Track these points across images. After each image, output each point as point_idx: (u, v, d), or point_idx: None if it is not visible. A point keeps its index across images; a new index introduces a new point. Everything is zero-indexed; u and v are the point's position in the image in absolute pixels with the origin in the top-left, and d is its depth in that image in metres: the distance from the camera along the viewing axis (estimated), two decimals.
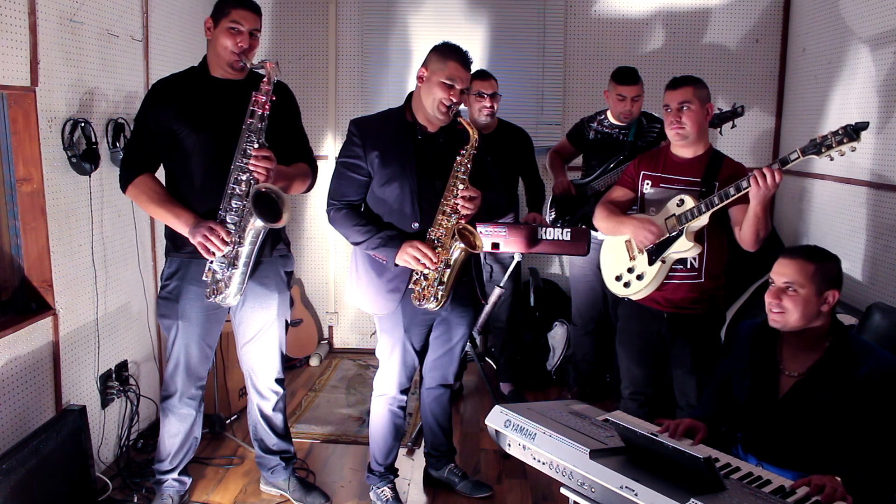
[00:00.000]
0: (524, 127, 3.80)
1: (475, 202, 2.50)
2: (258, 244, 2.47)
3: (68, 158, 2.75)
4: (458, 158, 2.52)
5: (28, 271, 2.68)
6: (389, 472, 2.90)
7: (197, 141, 2.48)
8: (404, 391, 2.79)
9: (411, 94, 2.62)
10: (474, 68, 2.66)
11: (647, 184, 2.76)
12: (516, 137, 3.71)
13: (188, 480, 2.84)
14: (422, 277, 2.53)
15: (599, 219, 2.83)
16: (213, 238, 2.38)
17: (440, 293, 2.51)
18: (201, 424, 2.79)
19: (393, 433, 2.83)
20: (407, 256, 2.48)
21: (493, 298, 3.36)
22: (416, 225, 2.54)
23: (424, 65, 2.52)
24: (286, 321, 2.79)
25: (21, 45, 2.50)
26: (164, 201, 2.47)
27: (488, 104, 3.51)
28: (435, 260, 2.48)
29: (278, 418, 2.87)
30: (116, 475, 2.99)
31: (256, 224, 2.39)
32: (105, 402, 3.07)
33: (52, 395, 2.76)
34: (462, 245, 2.46)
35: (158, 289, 2.65)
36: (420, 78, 2.53)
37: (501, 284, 3.40)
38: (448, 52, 2.49)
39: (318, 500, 2.88)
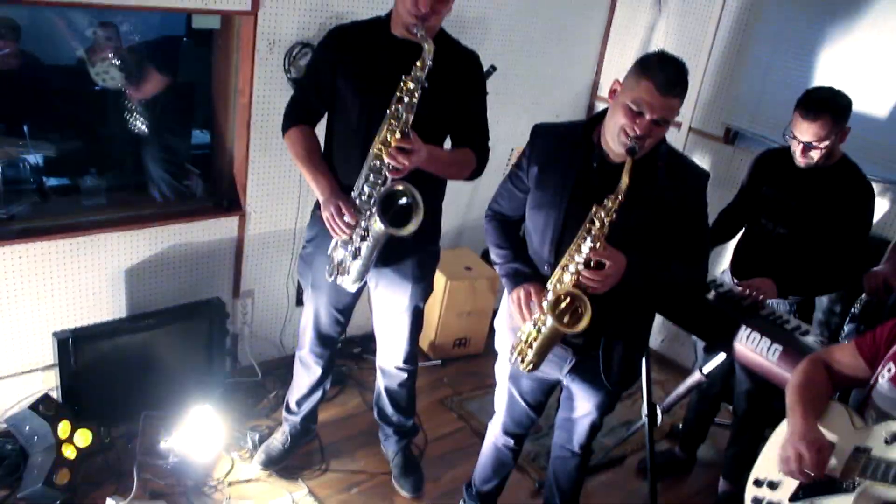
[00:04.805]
0: None
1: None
2: (381, 245, 2.23)
3: (288, 80, 2.80)
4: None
5: (234, 173, 2.93)
6: (480, 500, 2.64)
7: (355, 103, 2.24)
8: (510, 434, 2.47)
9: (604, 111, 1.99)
10: None
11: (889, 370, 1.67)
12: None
13: (313, 428, 2.88)
14: (524, 333, 2.10)
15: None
16: (337, 219, 2.19)
17: (528, 356, 2.08)
18: (330, 380, 2.78)
19: (492, 465, 2.56)
20: (513, 296, 2.08)
21: (688, 382, 2.85)
22: (548, 268, 2.06)
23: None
24: (420, 307, 2.58)
25: None
26: (308, 160, 2.30)
27: None
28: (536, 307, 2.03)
29: (401, 394, 2.76)
30: (270, 372, 3.23)
31: (378, 227, 2.13)
32: (300, 302, 3.24)
33: (231, 281, 3.10)
34: (553, 321, 1.91)
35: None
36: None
37: (704, 371, 2.77)
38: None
39: (407, 484, 2.79)
